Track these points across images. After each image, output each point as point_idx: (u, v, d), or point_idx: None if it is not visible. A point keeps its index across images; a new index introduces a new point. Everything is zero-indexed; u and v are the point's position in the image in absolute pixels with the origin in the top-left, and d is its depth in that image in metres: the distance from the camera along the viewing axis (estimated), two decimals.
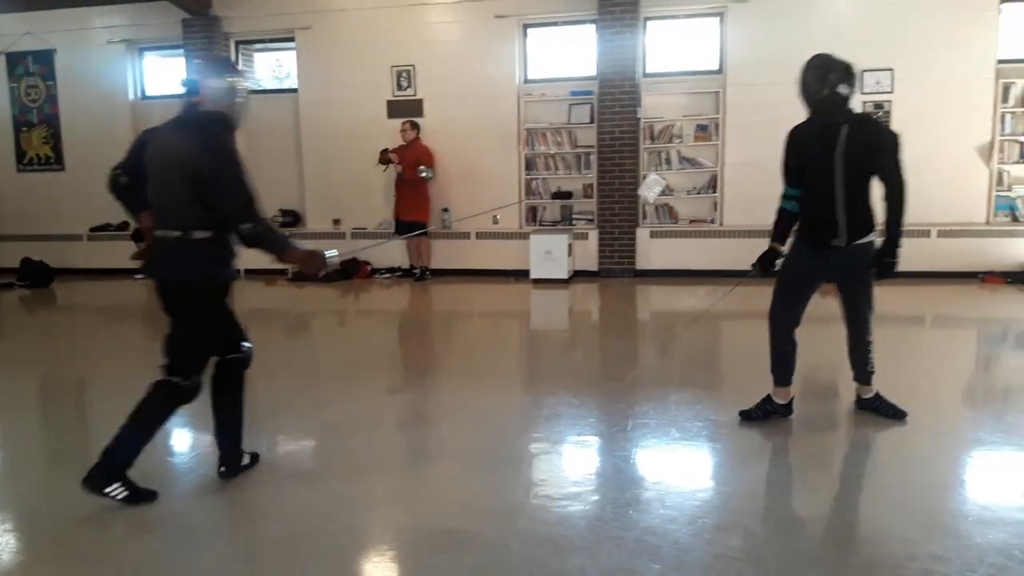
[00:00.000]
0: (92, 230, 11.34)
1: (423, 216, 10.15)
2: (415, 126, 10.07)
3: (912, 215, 9.07)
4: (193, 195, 3.27)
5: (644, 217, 9.93)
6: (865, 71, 9.21)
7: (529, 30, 10.18)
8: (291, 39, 10.71)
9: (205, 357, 3.51)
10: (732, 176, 9.59)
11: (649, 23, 9.80)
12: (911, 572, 2.62)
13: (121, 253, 11.07)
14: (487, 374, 5.71)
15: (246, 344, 3.66)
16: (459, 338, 7.43)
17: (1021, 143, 9.12)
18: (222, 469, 3.62)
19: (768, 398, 4.26)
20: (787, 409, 4.25)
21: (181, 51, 10.82)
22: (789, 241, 4.23)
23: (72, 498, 3.27)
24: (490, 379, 5.54)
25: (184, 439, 4.27)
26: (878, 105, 9.22)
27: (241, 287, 10.07)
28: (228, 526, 3.31)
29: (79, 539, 3.10)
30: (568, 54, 10.25)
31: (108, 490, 3.28)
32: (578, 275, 9.90)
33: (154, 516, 3.26)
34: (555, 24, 10.14)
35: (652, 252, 9.71)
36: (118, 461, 3.30)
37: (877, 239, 3.99)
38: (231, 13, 10.71)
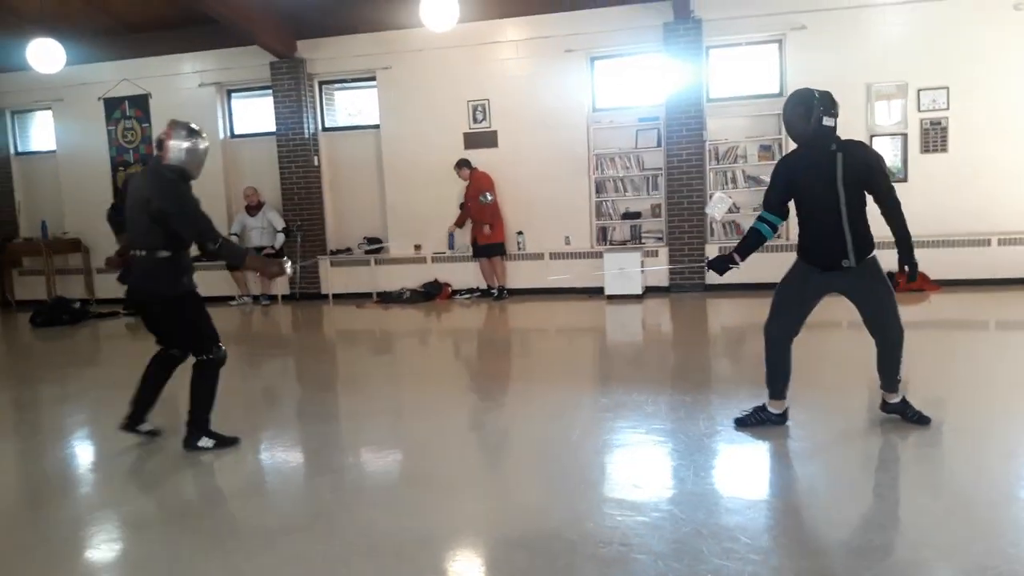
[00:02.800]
0: None
1: (498, 238, 10.76)
2: (463, 164, 10.68)
3: (973, 225, 9.61)
4: (153, 225, 4.37)
5: (712, 234, 10.46)
6: (920, 90, 9.71)
7: (596, 62, 10.81)
8: (372, 78, 11.45)
9: (211, 333, 4.62)
10: None
11: (712, 51, 10.38)
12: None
13: (215, 281, 11.88)
14: (584, 377, 6.26)
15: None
16: (551, 350, 7.99)
17: None
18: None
19: (763, 407, 4.55)
20: (782, 418, 4.51)
21: (269, 92, 11.61)
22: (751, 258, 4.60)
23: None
24: (580, 381, 6.09)
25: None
26: (935, 122, 9.69)
27: (331, 311, 10.85)
28: (317, 527, 3.57)
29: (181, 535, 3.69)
30: (634, 83, 10.84)
31: (199, 443, 4.58)
32: (649, 291, 10.43)
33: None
34: (621, 55, 10.77)
35: None
36: (200, 425, 4.59)
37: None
38: (315, 55, 11.50)
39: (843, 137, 4.23)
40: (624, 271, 10.08)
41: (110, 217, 5.17)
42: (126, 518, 3.81)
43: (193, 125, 4.62)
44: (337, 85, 12.02)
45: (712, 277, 10.29)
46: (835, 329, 7.26)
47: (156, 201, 4.34)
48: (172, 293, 4.48)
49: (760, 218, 4.52)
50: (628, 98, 10.84)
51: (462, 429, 5.10)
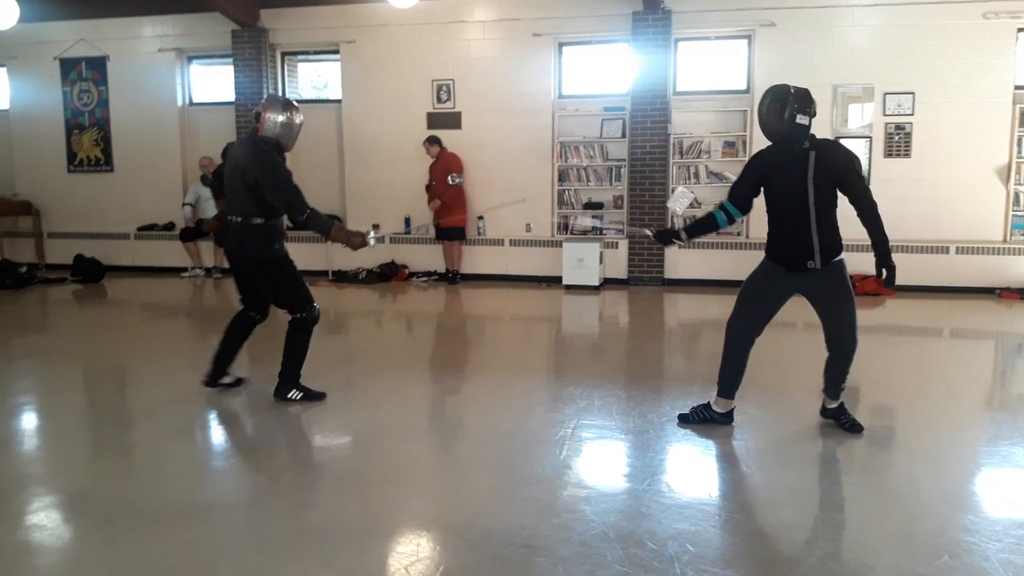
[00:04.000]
0: (139, 229, 11.83)
1: (461, 222, 10.57)
2: (434, 141, 10.46)
3: (932, 232, 9.58)
4: (248, 193, 4.60)
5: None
6: (887, 93, 9.64)
7: (564, 48, 10.62)
8: (336, 51, 11.18)
9: (305, 293, 4.89)
10: None
11: (680, 43, 10.24)
12: None
13: (167, 252, 11.63)
14: (527, 367, 6.13)
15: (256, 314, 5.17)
16: (500, 338, 7.85)
17: None
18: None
19: (708, 405, 4.46)
20: (727, 418, 4.43)
21: (229, 60, 11.31)
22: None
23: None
24: (522, 372, 5.96)
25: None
26: (899, 127, 9.63)
27: None
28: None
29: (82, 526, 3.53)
30: (601, 71, 10.68)
31: (289, 395, 4.93)
32: (608, 283, 10.32)
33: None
34: (589, 43, 10.60)
35: (680, 262, 10.12)
36: (290, 377, 4.93)
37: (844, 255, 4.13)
38: (278, 25, 11.20)
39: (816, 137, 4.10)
40: (582, 262, 9.97)
41: (210, 183, 5.36)
42: (37, 499, 3.63)
43: (290, 99, 4.82)
44: (300, 57, 11.74)
45: (672, 271, 10.23)
46: (790, 330, 7.17)
47: (251, 171, 4.56)
48: (265, 255, 4.73)
49: (720, 205, 4.42)
50: (595, 86, 10.68)
51: (391, 416, 4.91)
